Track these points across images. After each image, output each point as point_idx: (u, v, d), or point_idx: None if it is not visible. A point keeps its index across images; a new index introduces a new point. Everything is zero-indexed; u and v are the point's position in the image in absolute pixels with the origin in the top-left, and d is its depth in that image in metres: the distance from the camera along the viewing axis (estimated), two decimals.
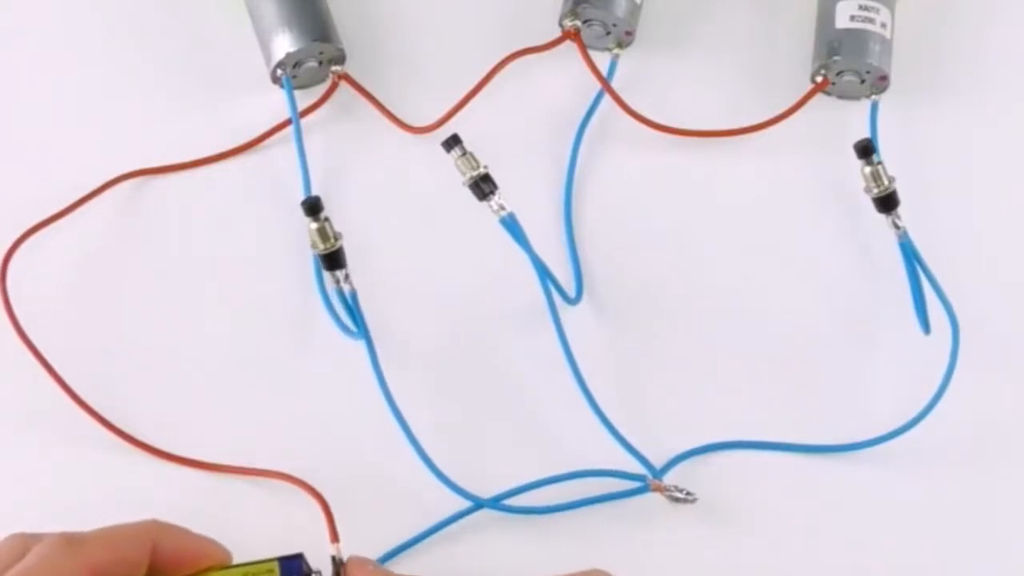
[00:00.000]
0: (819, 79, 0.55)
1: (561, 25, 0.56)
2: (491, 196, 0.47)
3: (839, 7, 0.55)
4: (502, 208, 0.48)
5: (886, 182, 0.48)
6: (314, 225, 0.46)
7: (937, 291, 0.50)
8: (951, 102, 0.56)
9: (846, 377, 0.50)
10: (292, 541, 0.44)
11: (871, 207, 0.50)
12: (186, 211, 0.52)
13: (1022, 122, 0.56)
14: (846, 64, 0.55)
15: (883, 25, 0.55)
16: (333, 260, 0.46)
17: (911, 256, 0.50)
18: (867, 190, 0.49)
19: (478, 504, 0.46)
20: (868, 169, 0.49)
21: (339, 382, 0.49)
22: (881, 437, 0.48)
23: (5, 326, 0.49)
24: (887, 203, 0.49)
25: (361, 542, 0.44)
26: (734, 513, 0.47)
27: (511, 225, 0.48)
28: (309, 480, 0.46)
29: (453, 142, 0.47)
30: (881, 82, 0.55)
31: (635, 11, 0.56)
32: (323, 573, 0.43)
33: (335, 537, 0.45)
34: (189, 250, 0.52)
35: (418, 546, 0.46)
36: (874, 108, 0.55)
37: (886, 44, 0.55)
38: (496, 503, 0.46)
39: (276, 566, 0.42)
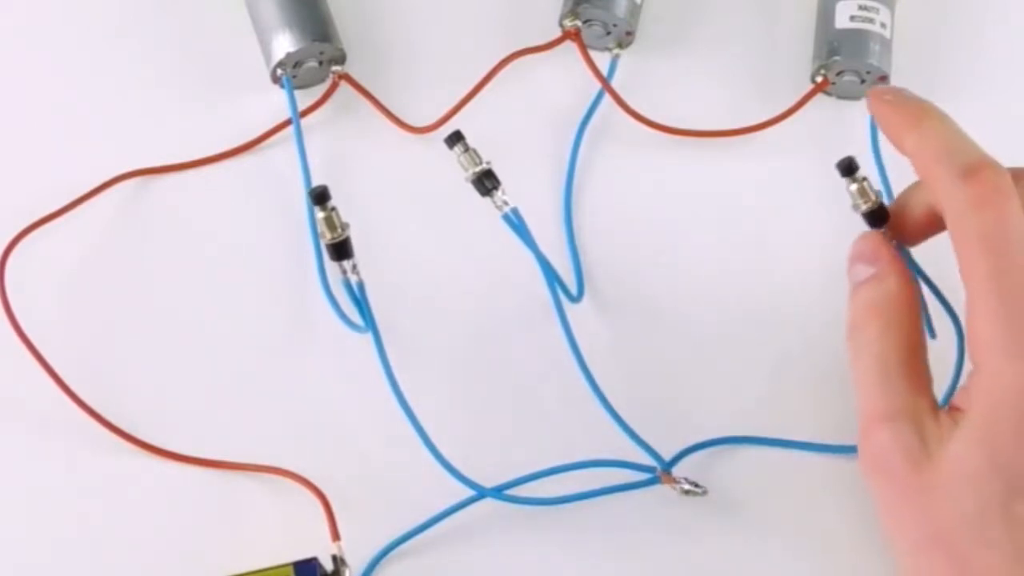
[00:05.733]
0: (819, 79, 0.55)
1: (561, 25, 0.56)
2: (494, 192, 0.47)
3: (839, 7, 0.55)
4: (505, 204, 0.47)
5: (873, 196, 0.47)
6: (321, 214, 0.46)
7: (939, 297, 0.49)
8: (950, 102, 0.56)
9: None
10: (294, 537, 0.44)
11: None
12: (186, 211, 0.52)
13: (1021, 123, 0.56)
14: (846, 64, 0.55)
15: (883, 25, 0.55)
16: (340, 250, 0.46)
17: (909, 264, 0.50)
18: (855, 207, 0.47)
19: (481, 493, 0.46)
20: (854, 186, 0.47)
21: (341, 377, 0.49)
22: None
23: (3, 325, 0.48)
24: (877, 217, 0.47)
25: (366, 533, 0.45)
26: (744, 508, 0.47)
27: (514, 221, 0.48)
28: (311, 469, 0.46)
29: (456, 138, 0.47)
30: (881, 82, 0.55)
31: (635, 11, 0.56)
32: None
33: (336, 536, 0.45)
34: (189, 249, 0.51)
35: (420, 537, 0.46)
36: None
37: (886, 44, 0.55)
38: (499, 493, 0.46)
39: (291, 571, 0.42)
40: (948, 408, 0.40)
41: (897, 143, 0.44)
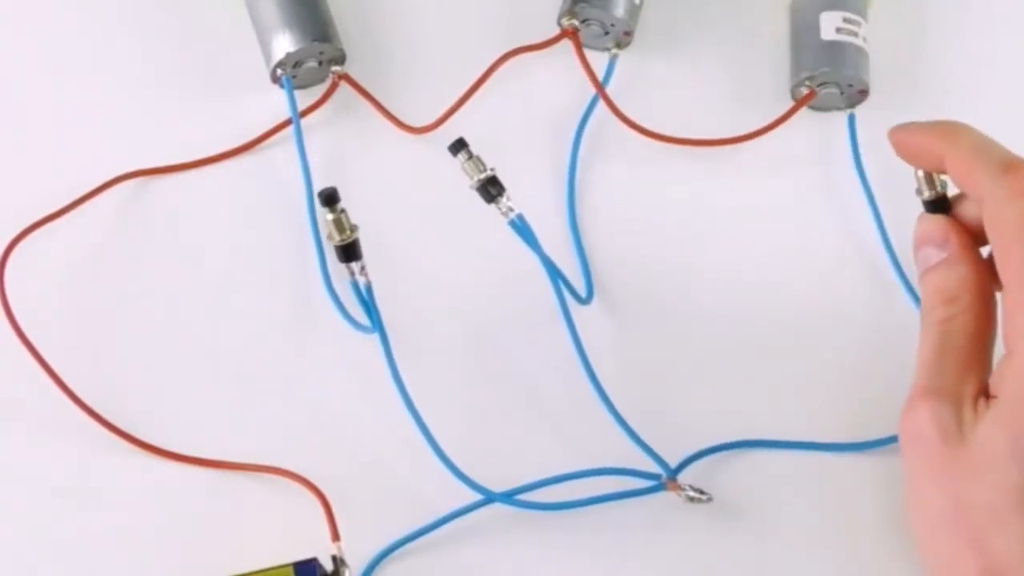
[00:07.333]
0: (804, 91, 0.55)
1: (559, 24, 0.56)
2: (499, 198, 0.48)
3: (823, 18, 0.55)
4: (510, 210, 0.48)
5: (938, 185, 0.46)
6: (331, 216, 0.46)
7: None
8: (933, 112, 0.57)
9: (860, 375, 0.50)
10: (294, 537, 0.44)
11: (870, 209, 0.52)
12: (186, 211, 0.52)
13: (996, 133, 0.57)
14: (832, 76, 0.55)
15: (864, 39, 0.55)
16: (349, 251, 0.47)
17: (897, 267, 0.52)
18: (918, 192, 0.46)
19: (489, 498, 0.46)
20: (921, 172, 0.45)
21: (341, 377, 0.49)
22: (896, 436, 0.48)
23: (3, 325, 0.48)
24: (938, 207, 0.45)
25: (368, 534, 0.45)
26: (750, 513, 0.47)
27: (520, 227, 0.48)
28: (311, 469, 0.47)
29: (459, 146, 0.47)
30: (861, 95, 0.55)
31: (634, 11, 0.56)
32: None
33: (336, 536, 0.45)
34: (190, 250, 0.52)
35: (425, 538, 0.46)
36: (851, 120, 0.55)
37: (865, 57, 0.55)
38: (508, 498, 0.46)
39: (291, 571, 0.42)
40: (986, 394, 0.41)
41: (935, 162, 0.44)
